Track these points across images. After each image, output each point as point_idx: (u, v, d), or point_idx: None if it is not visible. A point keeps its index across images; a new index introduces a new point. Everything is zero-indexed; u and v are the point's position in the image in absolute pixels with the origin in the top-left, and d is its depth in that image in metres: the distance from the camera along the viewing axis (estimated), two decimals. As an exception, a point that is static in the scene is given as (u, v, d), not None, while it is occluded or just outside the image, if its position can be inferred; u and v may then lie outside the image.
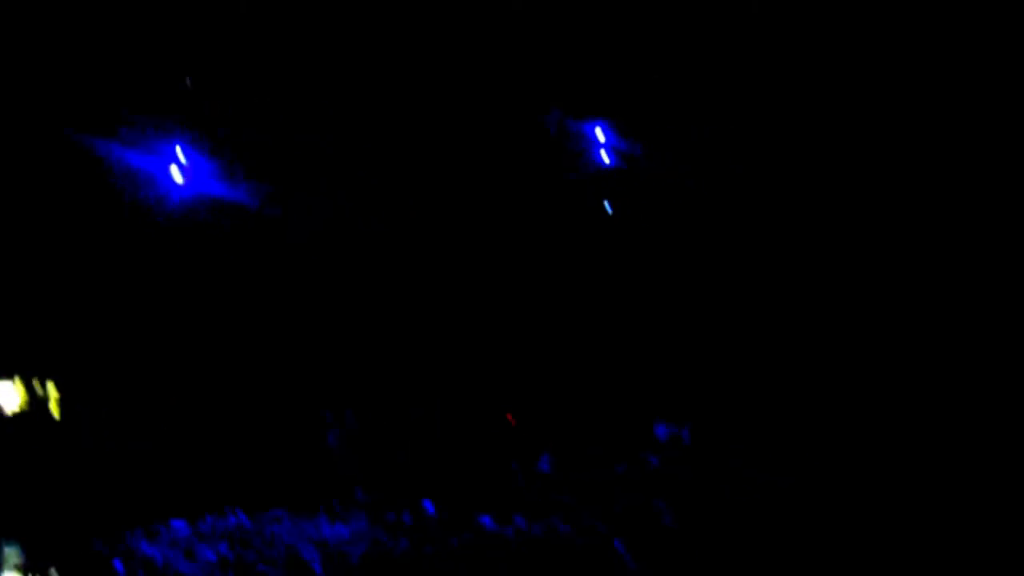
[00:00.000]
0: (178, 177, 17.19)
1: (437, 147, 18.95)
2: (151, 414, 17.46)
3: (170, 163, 17.21)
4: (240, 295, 18.59)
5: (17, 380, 17.89)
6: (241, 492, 14.52)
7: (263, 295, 18.81)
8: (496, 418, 19.65)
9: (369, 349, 18.91)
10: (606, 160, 18.72)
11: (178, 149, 17.30)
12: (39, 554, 10.59)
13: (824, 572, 8.30)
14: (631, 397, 19.25)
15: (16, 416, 16.89)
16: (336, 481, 14.83)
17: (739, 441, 16.99)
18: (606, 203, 19.14)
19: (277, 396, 18.27)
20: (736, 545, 9.88)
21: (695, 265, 18.10)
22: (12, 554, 10.57)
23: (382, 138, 18.59)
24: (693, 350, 18.02)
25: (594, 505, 13.08)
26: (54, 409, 17.69)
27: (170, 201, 17.50)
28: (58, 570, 9.56)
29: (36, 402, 17.59)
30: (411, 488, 15.09)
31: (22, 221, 17.00)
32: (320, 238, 19.41)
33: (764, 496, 13.68)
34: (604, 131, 18.66)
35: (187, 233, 17.97)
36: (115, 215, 17.44)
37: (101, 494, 14.82)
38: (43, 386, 17.75)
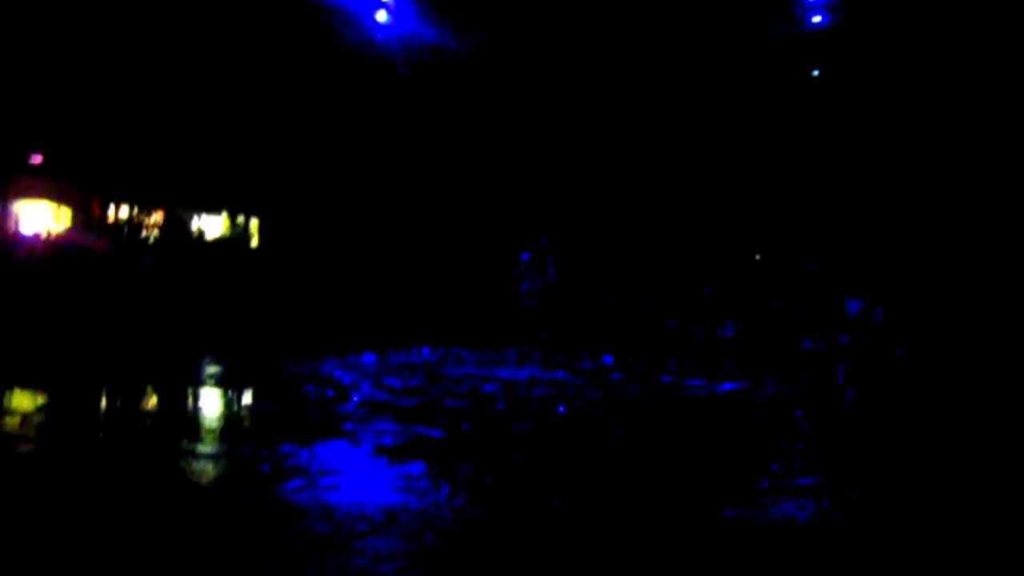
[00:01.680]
0: (383, 17, 17.27)
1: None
2: (350, 258, 17.97)
3: (377, 6, 17.31)
4: (437, 138, 18.62)
5: (224, 214, 18.73)
6: (431, 337, 14.88)
7: (460, 137, 18.79)
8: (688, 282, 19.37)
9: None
10: None
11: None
12: (236, 371, 11.12)
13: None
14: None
15: (218, 242, 17.69)
16: (520, 335, 15.00)
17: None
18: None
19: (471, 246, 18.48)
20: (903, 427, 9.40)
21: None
22: (212, 369, 11.14)
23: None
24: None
25: (777, 371, 12.73)
26: (254, 241, 18.48)
27: (374, 41, 17.62)
28: (251, 386, 10.00)
29: (238, 233, 18.37)
30: (593, 345, 15.10)
31: (230, 63, 17.48)
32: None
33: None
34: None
35: (389, 75, 18.10)
36: (320, 56, 17.72)
37: (301, 327, 15.48)
38: (247, 220, 18.53)
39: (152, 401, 9.05)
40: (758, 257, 21.56)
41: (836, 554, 4.74)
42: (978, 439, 7.96)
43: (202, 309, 15.13)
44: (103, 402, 8.84)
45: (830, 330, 16.85)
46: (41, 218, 18.00)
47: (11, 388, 9.28)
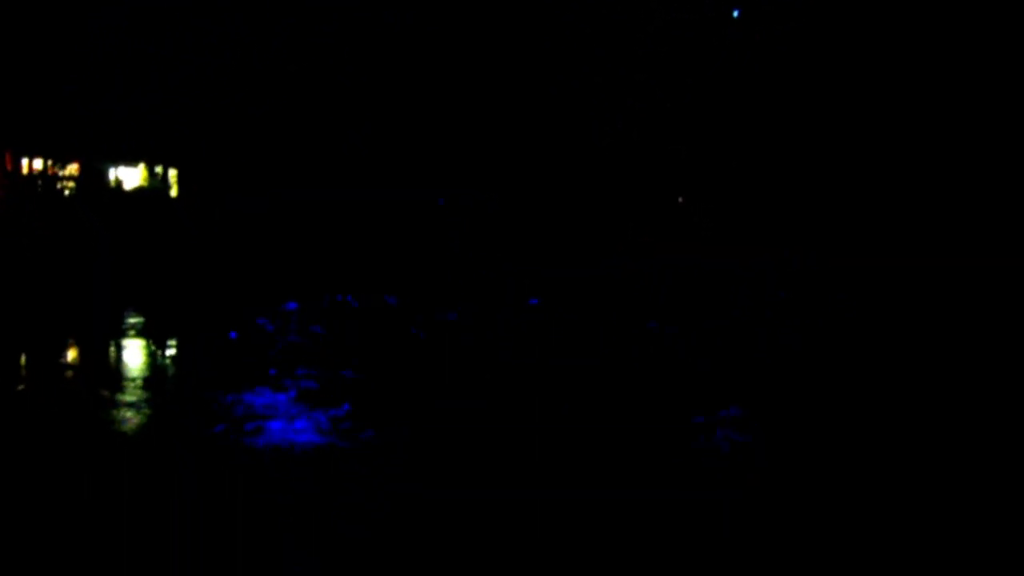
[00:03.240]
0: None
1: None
2: (276, 209, 17.77)
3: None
4: (367, 93, 18.45)
5: (142, 166, 18.36)
6: (356, 285, 14.85)
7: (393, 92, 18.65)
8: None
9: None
10: None
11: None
12: (158, 321, 11.03)
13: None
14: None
15: (136, 193, 17.37)
16: (451, 279, 15.04)
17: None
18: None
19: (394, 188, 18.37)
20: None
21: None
22: (135, 321, 11.03)
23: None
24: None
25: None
26: (173, 190, 18.16)
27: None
28: (175, 335, 9.95)
29: (157, 184, 18.04)
30: (519, 288, 15.22)
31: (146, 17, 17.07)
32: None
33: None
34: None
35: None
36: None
37: (223, 279, 15.33)
38: (165, 170, 18.18)
39: (75, 354, 8.96)
40: (680, 200, 21.92)
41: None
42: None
43: (122, 259, 14.90)
44: (27, 357, 8.73)
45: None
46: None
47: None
